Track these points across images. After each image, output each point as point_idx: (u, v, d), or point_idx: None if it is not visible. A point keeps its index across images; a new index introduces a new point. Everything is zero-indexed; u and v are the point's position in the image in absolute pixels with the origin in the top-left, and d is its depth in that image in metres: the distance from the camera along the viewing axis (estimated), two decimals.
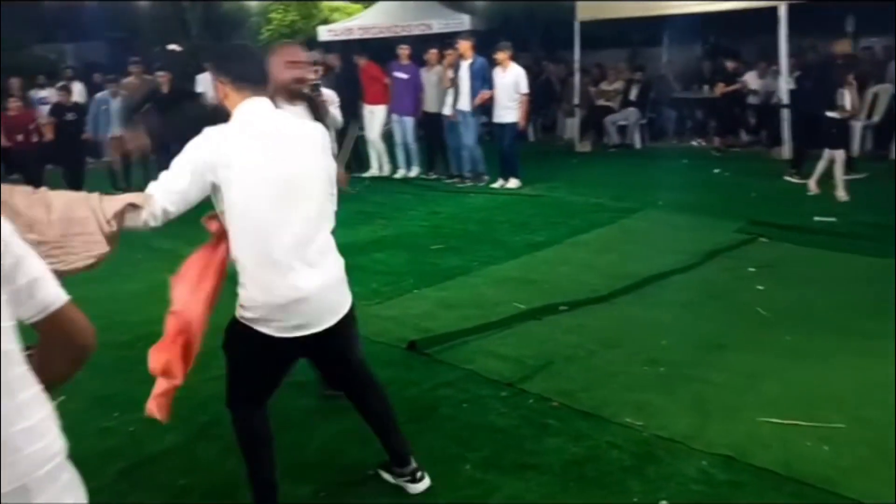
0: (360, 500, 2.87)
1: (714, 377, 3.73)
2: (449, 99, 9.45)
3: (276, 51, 3.38)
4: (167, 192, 2.26)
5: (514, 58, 9.12)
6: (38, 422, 1.22)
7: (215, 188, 2.31)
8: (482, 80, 9.02)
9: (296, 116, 2.99)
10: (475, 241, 6.74)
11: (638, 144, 12.08)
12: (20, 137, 9.30)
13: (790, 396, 3.48)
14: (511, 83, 8.88)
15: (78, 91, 11.99)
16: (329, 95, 3.96)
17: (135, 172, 9.60)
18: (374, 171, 10.31)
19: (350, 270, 2.63)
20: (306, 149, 2.45)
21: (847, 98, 7.61)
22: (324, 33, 15.30)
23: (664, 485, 2.82)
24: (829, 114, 7.66)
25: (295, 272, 2.38)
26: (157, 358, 2.45)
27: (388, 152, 10.33)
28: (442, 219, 7.75)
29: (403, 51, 10.08)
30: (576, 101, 12.29)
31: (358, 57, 10.50)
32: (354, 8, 17.17)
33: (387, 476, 2.91)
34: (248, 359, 2.56)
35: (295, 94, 3.36)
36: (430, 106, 9.86)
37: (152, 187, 2.28)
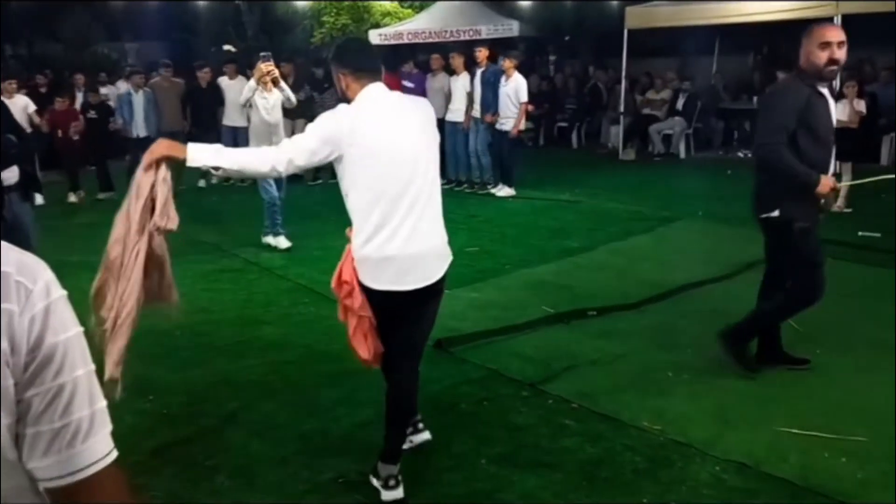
0: (374, 489, 2.95)
1: (738, 387, 3.72)
2: (460, 105, 9.51)
3: (811, 33, 3.53)
4: (298, 148, 2.64)
5: (518, 66, 9.11)
6: None
7: (339, 159, 2.64)
8: (492, 88, 9.09)
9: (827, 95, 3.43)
10: (510, 244, 6.79)
11: (682, 154, 11.96)
12: (59, 134, 9.42)
13: (814, 409, 3.45)
14: (512, 91, 8.93)
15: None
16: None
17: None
18: None
19: None
20: (420, 125, 2.76)
21: (843, 108, 7.61)
22: (374, 37, 15.52)
23: (676, 488, 2.84)
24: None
25: (403, 235, 2.66)
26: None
27: None
28: (479, 222, 7.82)
29: (435, 60, 10.14)
30: (621, 108, 12.23)
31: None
32: (406, 13, 17.37)
33: (374, 481, 2.89)
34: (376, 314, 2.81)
35: (827, 76, 3.51)
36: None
37: (286, 141, 2.73)
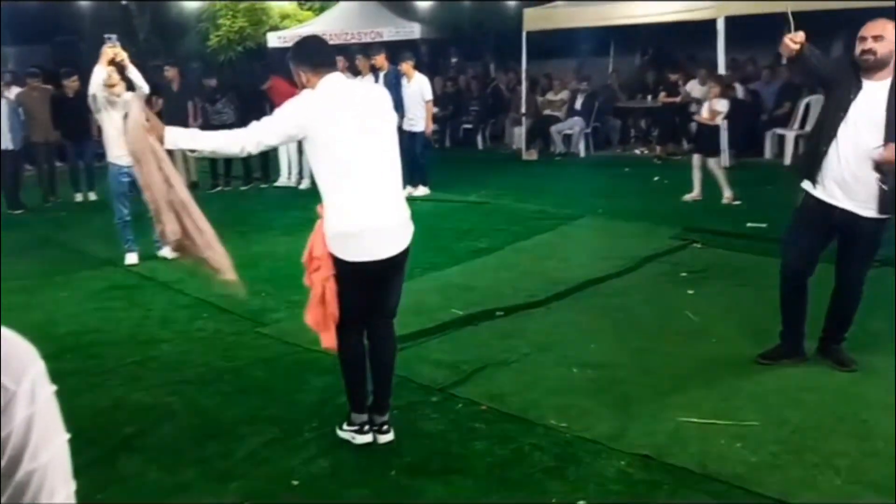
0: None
1: (640, 380, 3.82)
2: None
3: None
4: (268, 129, 2.92)
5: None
6: None
7: (307, 139, 2.90)
8: (395, 89, 9.10)
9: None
10: (419, 247, 6.67)
11: (582, 153, 12.28)
12: None
13: (711, 397, 3.59)
14: (417, 92, 8.98)
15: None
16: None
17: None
18: (283, 179, 10.32)
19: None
20: (380, 107, 3.05)
21: (706, 108, 8.33)
22: (273, 40, 15.19)
23: (583, 485, 2.88)
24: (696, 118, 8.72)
25: (369, 209, 2.94)
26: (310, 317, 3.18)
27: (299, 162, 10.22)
28: None
29: (339, 62, 10.01)
30: (523, 110, 12.44)
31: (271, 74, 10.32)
32: (305, 15, 17.08)
33: (344, 432, 3.24)
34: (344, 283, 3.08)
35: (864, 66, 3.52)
36: None
37: (254, 124, 2.93)
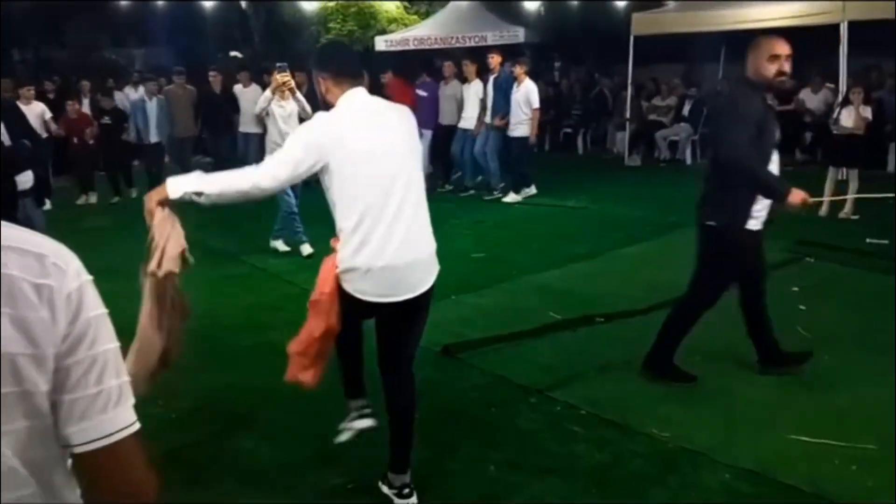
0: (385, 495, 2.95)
1: (746, 393, 3.71)
2: (473, 112, 9.53)
3: (759, 45, 3.57)
4: (281, 161, 2.56)
5: (528, 72, 9.14)
6: None
7: (325, 169, 2.55)
8: (506, 94, 9.12)
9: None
10: (517, 250, 6.80)
11: (689, 160, 11.95)
12: (75, 140, 9.59)
13: (822, 416, 3.45)
14: (523, 97, 8.94)
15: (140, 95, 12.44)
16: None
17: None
18: None
19: None
20: (403, 132, 2.71)
21: (849, 114, 7.70)
22: (380, 43, 15.57)
23: (685, 495, 2.84)
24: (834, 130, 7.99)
25: (392, 244, 2.59)
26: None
27: None
28: (485, 228, 7.83)
29: (448, 67, 10.18)
30: (627, 115, 12.24)
31: (384, 73, 10.60)
32: (412, 19, 17.43)
33: (385, 488, 2.89)
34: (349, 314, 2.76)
35: (776, 87, 3.57)
36: (445, 118, 9.95)
37: (268, 157, 2.70)
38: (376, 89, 10.44)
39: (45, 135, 9.15)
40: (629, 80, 12.11)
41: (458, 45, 14.08)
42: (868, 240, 6.70)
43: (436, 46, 14.56)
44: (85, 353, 0.92)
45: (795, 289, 5.39)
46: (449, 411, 3.60)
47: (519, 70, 9.02)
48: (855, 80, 10.33)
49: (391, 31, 16.48)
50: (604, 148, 13.53)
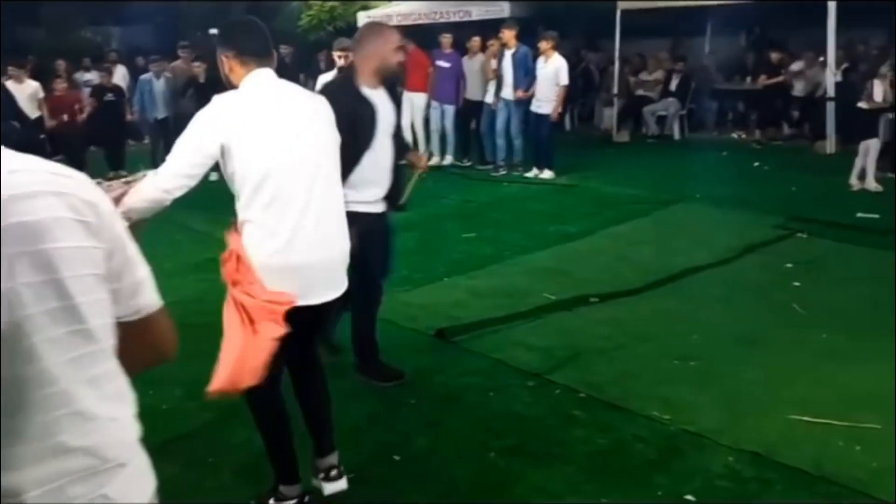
0: (385, 481, 2.89)
1: (746, 374, 3.68)
2: (491, 87, 9.43)
3: (382, 33, 3.39)
4: (179, 154, 2.33)
5: (556, 47, 8.99)
6: (121, 416, 1.24)
7: (226, 153, 2.32)
8: (525, 69, 8.96)
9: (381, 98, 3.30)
10: (508, 230, 6.72)
11: (677, 135, 11.89)
12: (65, 118, 9.54)
13: (824, 395, 3.42)
14: (552, 74, 8.76)
15: (121, 74, 12.16)
16: None
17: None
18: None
19: None
20: (315, 117, 2.50)
21: (878, 89, 7.48)
22: (363, 20, 15.30)
23: (689, 479, 2.80)
24: (861, 105, 7.73)
25: (302, 239, 2.38)
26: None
27: (425, 139, 10.34)
28: (475, 207, 7.73)
29: (446, 39, 10.07)
30: (615, 90, 12.14)
31: (406, 43, 10.44)
32: None
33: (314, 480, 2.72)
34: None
35: (387, 77, 3.40)
36: (472, 94, 9.88)
37: (160, 168, 2.36)
38: None
39: (38, 114, 9.12)
40: (616, 55, 11.99)
41: (442, 20, 13.86)
42: (858, 214, 6.69)
43: (419, 22, 14.33)
44: (121, 254, 1.17)
45: (789, 265, 5.37)
46: (446, 397, 3.54)
47: (546, 45, 8.77)
48: (880, 56, 10.17)
49: (373, 7, 16.20)
50: (591, 124, 13.42)
